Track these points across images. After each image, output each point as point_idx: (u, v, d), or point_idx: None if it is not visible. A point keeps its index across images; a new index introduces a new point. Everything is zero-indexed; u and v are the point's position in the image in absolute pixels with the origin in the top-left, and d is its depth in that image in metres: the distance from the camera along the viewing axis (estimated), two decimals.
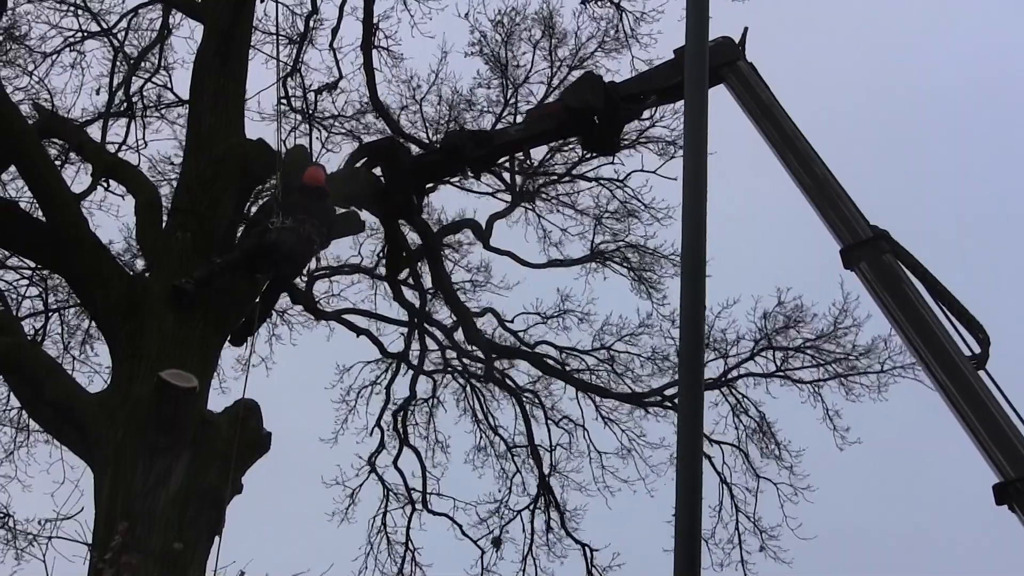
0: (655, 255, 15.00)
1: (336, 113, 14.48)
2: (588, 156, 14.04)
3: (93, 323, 10.08)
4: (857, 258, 9.73)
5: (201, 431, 7.76)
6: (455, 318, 14.49)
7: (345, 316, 14.99)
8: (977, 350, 9.04)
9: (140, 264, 10.99)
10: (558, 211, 15.06)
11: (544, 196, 14.97)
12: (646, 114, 12.65)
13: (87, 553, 7.94)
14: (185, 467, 7.61)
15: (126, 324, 8.51)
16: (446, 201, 14.59)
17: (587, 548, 15.11)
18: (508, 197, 14.61)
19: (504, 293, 15.21)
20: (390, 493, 15.46)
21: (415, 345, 15.00)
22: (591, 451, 15.34)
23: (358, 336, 15.04)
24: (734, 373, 14.85)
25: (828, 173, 9.91)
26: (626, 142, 13.60)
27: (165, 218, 9.63)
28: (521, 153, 12.62)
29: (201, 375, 8.06)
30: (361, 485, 15.51)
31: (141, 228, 9.76)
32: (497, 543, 15.22)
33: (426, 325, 14.84)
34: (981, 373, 8.85)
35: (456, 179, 13.36)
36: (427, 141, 13.74)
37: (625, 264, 15.18)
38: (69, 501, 9.11)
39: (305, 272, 9.05)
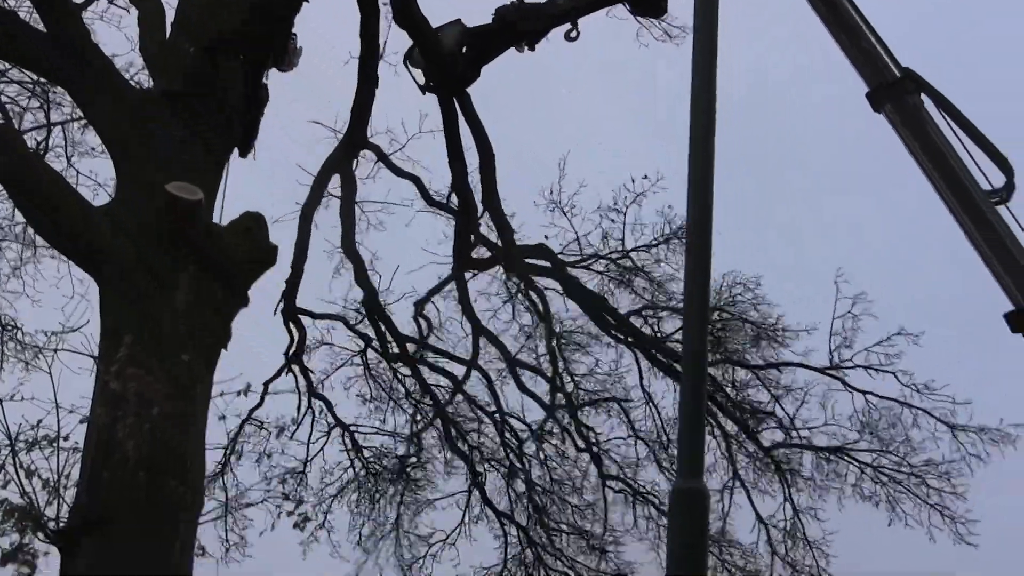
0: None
1: None
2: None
3: (96, 136, 9.88)
4: (883, 100, 9.79)
5: (207, 244, 7.68)
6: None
7: None
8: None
9: (145, 78, 10.74)
10: None
11: None
12: None
13: (93, 365, 8.00)
14: (191, 280, 7.54)
15: (130, 137, 8.36)
16: None
17: None
18: None
19: None
20: None
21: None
22: None
23: None
24: None
25: (858, 14, 9.82)
26: None
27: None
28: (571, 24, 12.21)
29: (207, 187, 7.95)
30: None
31: (144, 39, 9.52)
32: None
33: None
34: (1004, 209, 9.04)
35: None
36: None
37: None
38: (75, 314, 9.15)
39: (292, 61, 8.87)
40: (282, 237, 11.80)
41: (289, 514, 13.86)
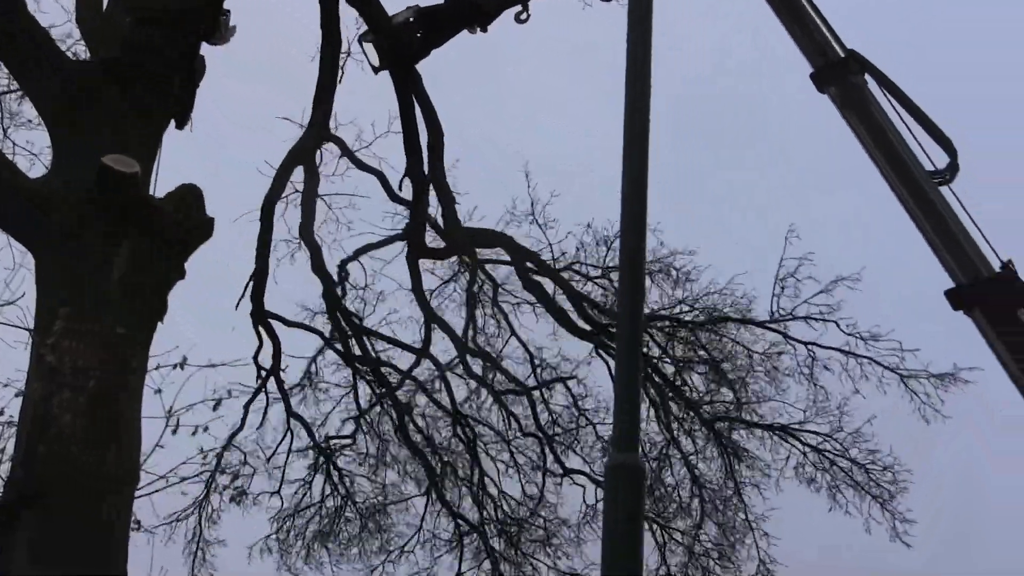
0: None
1: None
2: None
3: (33, 108, 9.74)
4: (828, 81, 9.83)
5: (144, 216, 7.58)
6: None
7: None
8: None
9: (82, 49, 10.59)
10: None
11: None
12: None
13: (28, 338, 7.89)
14: (128, 252, 7.45)
15: (67, 108, 8.22)
16: None
17: None
18: None
19: None
20: None
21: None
22: None
23: None
24: None
25: None
26: None
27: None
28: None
29: (143, 159, 7.85)
30: None
31: (81, 10, 9.37)
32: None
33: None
34: (946, 188, 9.15)
35: None
36: None
37: None
38: (18, 286, 9.04)
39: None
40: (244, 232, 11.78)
41: (224, 488, 13.67)
